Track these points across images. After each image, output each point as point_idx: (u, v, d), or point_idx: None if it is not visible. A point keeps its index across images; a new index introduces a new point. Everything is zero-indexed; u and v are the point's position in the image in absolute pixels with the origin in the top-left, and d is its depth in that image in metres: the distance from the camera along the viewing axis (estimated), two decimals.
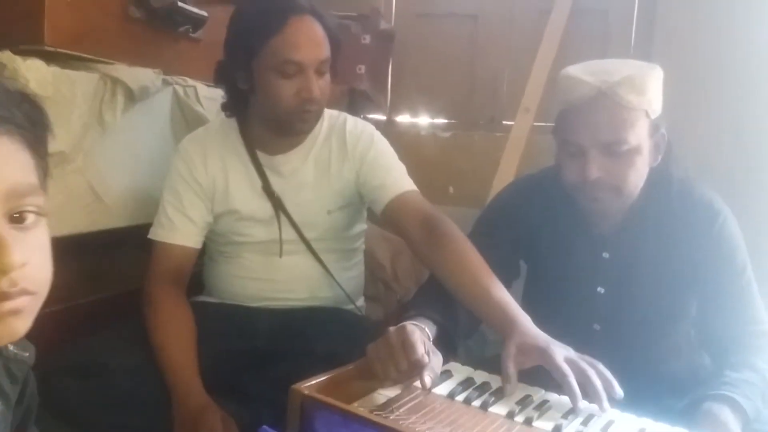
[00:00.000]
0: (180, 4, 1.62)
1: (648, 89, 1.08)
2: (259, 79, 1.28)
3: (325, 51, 1.28)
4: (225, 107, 1.40)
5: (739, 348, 1.09)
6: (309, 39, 1.26)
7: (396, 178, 1.36)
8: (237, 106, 1.38)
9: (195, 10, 1.68)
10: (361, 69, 2.32)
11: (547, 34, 2.10)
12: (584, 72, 1.10)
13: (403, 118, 2.65)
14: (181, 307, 1.31)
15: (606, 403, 0.93)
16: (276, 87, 1.26)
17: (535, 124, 2.02)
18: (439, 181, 2.41)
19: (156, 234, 1.35)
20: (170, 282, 1.32)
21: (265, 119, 1.35)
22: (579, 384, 0.94)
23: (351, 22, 2.35)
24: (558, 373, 0.95)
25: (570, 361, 0.97)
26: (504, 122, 2.41)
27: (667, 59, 1.94)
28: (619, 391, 0.94)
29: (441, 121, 2.59)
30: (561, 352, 0.98)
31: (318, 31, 1.27)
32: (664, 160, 1.16)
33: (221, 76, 1.37)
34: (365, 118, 2.48)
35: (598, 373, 0.96)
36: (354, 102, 2.36)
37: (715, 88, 1.90)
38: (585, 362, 0.97)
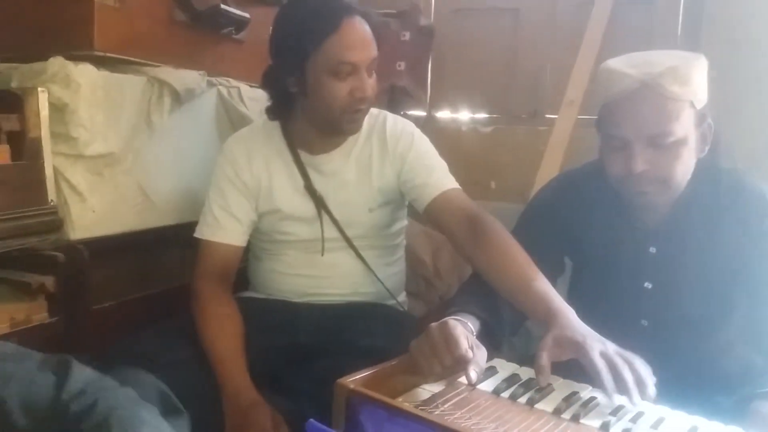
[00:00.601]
0: (223, 6, 1.65)
1: (692, 79, 1.05)
2: (311, 81, 1.28)
3: (374, 50, 1.29)
4: (269, 111, 1.41)
5: None
6: (361, 39, 1.26)
7: (438, 177, 1.36)
8: (283, 108, 1.39)
9: (238, 11, 1.71)
10: (401, 66, 2.32)
11: (591, 26, 2.06)
12: (626, 65, 1.08)
13: (444, 114, 2.63)
14: (229, 303, 1.33)
15: (637, 397, 0.91)
16: (330, 88, 1.27)
17: (579, 117, 1.98)
18: (481, 176, 2.40)
19: (202, 233, 1.38)
20: (217, 279, 1.34)
21: (315, 120, 1.35)
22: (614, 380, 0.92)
23: (390, 19, 2.35)
24: (592, 368, 0.94)
25: (605, 356, 0.95)
26: (547, 116, 2.37)
27: (715, 50, 1.90)
28: (652, 391, 0.92)
29: (482, 116, 2.57)
30: (597, 347, 0.96)
31: (368, 30, 1.28)
32: (711, 151, 1.13)
33: (270, 81, 1.37)
34: (405, 115, 2.50)
35: (633, 369, 0.94)
36: (394, 99, 2.37)
37: (764, 81, 1.83)
38: (621, 357, 0.95)
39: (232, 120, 1.72)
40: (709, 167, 1.15)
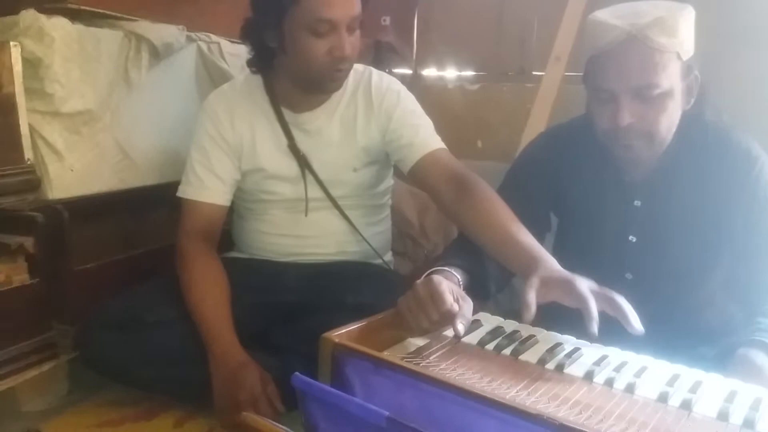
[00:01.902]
0: None
1: (679, 30, 1.04)
2: (289, 37, 1.25)
3: (357, 7, 1.25)
4: (251, 63, 1.38)
5: None
6: None
7: (424, 137, 1.34)
8: (263, 62, 1.36)
9: None
10: (386, 20, 2.27)
11: None
12: (613, 16, 1.07)
13: (430, 72, 2.60)
14: (214, 263, 1.32)
15: (634, 322, 0.92)
16: (308, 45, 1.23)
17: (566, 73, 1.96)
18: (468, 134, 2.38)
19: (185, 192, 1.36)
20: (201, 239, 1.33)
21: (294, 77, 1.33)
22: (600, 312, 0.93)
23: None
24: (580, 299, 0.94)
25: (593, 291, 0.96)
26: (534, 73, 2.34)
27: (708, 3, 1.87)
28: (638, 326, 0.93)
29: (469, 73, 2.54)
30: (585, 282, 0.97)
31: None
32: (697, 103, 1.12)
33: (249, 34, 1.34)
34: (391, 72, 2.47)
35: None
36: (379, 55, 2.32)
37: (757, 31, 1.81)
38: (608, 292, 0.97)
39: (212, 76, 1.69)
40: (695, 121, 1.14)
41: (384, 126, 1.36)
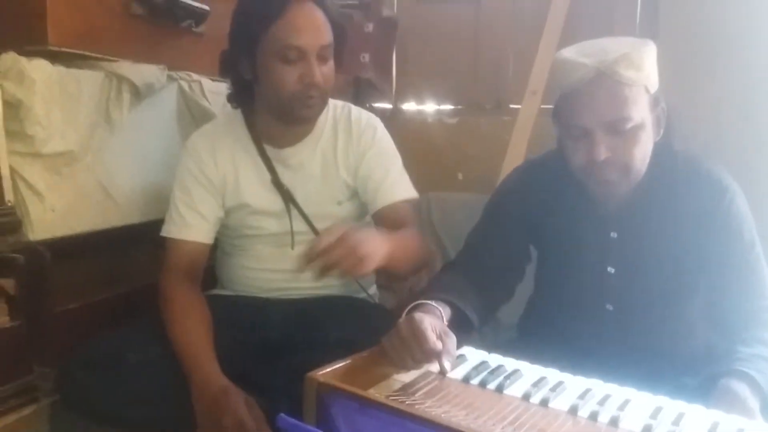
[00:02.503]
0: None
1: (644, 64, 1.07)
2: (261, 66, 1.28)
3: (326, 36, 1.27)
4: (230, 98, 1.41)
5: (750, 323, 1.08)
6: (310, 24, 1.25)
7: (391, 184, 1.38)
8: (242, 96, 1.39)
9: (196, 4, 1.69)
10: (365, 57, 2.31)
11: (551, 15, 2.08)
12: (580, 54, 1.09)
13: (410, 106, 2.64)
14: (197, 300, 1.32)
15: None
16: (278, 73, 1.26)
17: (542, 106, 2.00)
18: (448, 167, 2.41)
19: (168, 231, 1.36)
20: (184, 277, 1.33)
21: (270, 108, 1.35)
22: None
23: (353, 10, 2.34)
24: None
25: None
26: (511, 106, 2.39)
27: (674, 36, 1.93)
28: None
29: (447, 107, 2.58)
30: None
31: (319, 16, 1.27)
32: (665, 134, 1.15)
33: (225, 67, 1.37)
34: (371, 107, 2.50)
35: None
36: (359, 91, 2.36)
37: (723, 65, 1.87)
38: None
39: (194, 115, 1.70)
40: (665, 151, 1.17)
41: (358, 161, 1.39)
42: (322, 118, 1.39)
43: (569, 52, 1.11)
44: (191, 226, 1.35)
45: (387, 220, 1.36)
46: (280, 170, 1.38)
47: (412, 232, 1.31)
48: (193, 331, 1.25)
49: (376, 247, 1.09)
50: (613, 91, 1.06)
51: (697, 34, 1.90)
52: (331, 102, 1.42)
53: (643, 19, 2.17)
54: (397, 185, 1.39)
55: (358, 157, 1.39)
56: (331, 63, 1.31)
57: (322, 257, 1.03)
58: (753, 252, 1.14)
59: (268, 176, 1.38)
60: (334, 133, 1.40)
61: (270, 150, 1.39)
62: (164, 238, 1.36)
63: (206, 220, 1.36)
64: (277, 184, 1.38)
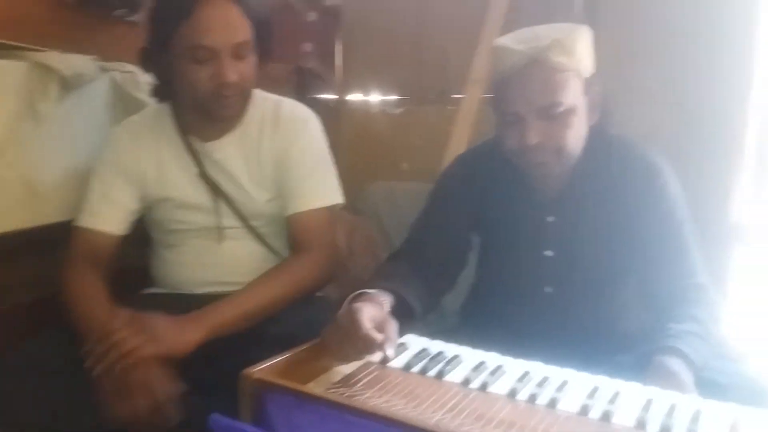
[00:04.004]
0: None
1: (577, 49, 1.09)
2: (175, 65, 1.24)
3: (240, 34, 1.22)
4: (153, 92, 1.36)
5: (680, 301, 1.11)
6: (220, 22, 1.20)
7: (308, 189, 1.33)
8: (165, 91, 1.34)
9: None
10: (308, 47, 2.28)
11: (492, 4, 2.09)
12: (514, 41, 1.11)
13: (355, 96, 2.62)
14: (99, 288, 1.25)
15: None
16: (190, 73, 1.22)
17: (484, 96, 2.01)
18: (393, 157, 2.41)
19: (78, 220, 1.32)
20: (87, 267, 1.28)
21: (186, 105, 1.31)
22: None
23: None
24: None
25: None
26: (454, 96, 2.39)
27: (614, 23, 1.96)
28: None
29: (392, 97, 2.57)
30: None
31: (232, 12, 1.21)
32: (602, 119, 1.17)
33: (144, 63, 1.33)
34: (315, 98, 2.47)
35: None
36: (302, 82, 2.32)
37: (660, 53, 1.92)
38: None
39: (127, 107, 1.63)
40: (600, 135, 1.19)
41: (281, 155, 1.34)
42: (249, 112, 1.35)
43: (505, 40, 1.13)
44: (99, 214, 1.31)
45: (293, 229, 1.33)
46: (206, 164, 1.34)
47: (277, 275, 1.28)
48: (94, 303, 1.20)
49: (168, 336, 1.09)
50: (545, 76, 1.08)
51: (637, 21, 1.94)
52: (263, 96, 1.38)
53: (586, 7, 2.20)
54: (313, 191, 1.34)
55: (282, 152, 1.34)
56: (250, 59, 1.25)
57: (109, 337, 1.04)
58: (683, 231, 1.17)
59: (194, 169, 1.34)
60: (260, 128, 1.35)
61: (196, 143, 1.35)
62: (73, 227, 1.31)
63: (117, 209, 1.32)
64: (204, 177, 1.33)
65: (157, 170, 1.34)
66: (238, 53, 1.22)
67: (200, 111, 1.29)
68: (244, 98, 1.30)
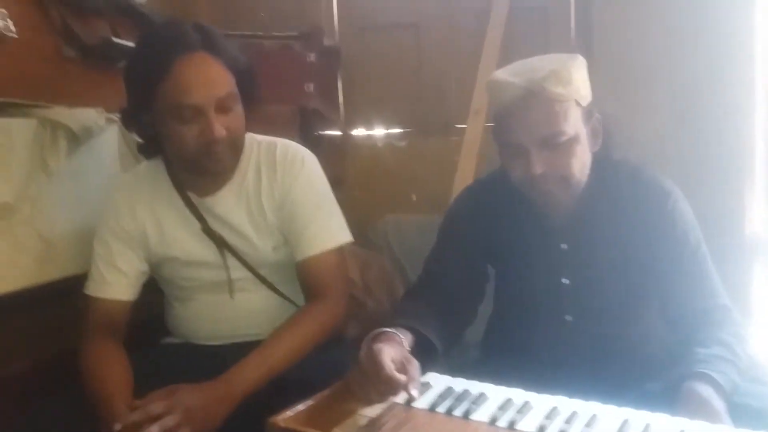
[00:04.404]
0: (114, 39, 1.58)
1: (573, 79, 1.10)
2: (159, 124, 1.20)
3: (224, 87, 1.18)
4: (140, 150, 1.33)
5: (703, 324, 1.10)
6: (201, 79, 1.16)
7: (314, 233, 1.30)
8: (153, 148, 1.31)
9: (130, 44, 1.65)
10: (310, 87, 2.30)
11: (489, 35, 2.12)
12: (510, 74, 1.12)
13: (359, 131, 2.64)
14: (116, 353, 1.24)
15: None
16: (176, 133, 1.18)
17: (488, 124, 2.03)
18: (401, 189, 2.42)
19: (88, 288, 1.30)
20: (103, 334, 1.26)
21: (178, 162, 1.28)
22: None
23: (293, 41, 2.34)
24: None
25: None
26: (457, 126, 2.41)
27: (608, 49, 1.99)
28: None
29: (396, 130, 2.59)
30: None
31: (212, 66, 1.17)
32: (604, 144, 1.18)
33: (127, 122, 1.30)
34: (320, 136, 2.49)
35: None
36: (306, 121, 2.34)
37: (655, 75, 1.93)
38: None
39: (136, 156, 1.64)
40: (605, 161, 1.19)
41: (283, 199, 1.31)
42: (244, 160, 1.31)
43: (501, 73, 1.14)
44: (110, 283, 1.29)
45: (305, 275, 1.31)
46: (208, 218, 1.31)
47: (301, 318, 1.26)
48: (108, 378, 1.17)
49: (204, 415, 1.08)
50: (544, 107, 1.08)
51: (630, 46, 1.96)
52: (256, 140, 1.35)
53: (578, 35, 2.23)
54: (320, 234, 1.30)
55: (283, 196, 1.31)
56: (237, 110, 1.21)
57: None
58: (699, 253, 1.16)
59: (197, 225, 1.31)
60: (257, 175, 1.32)
61: (194, 198, 1.31)
62: (85, 295, 1.30)
63: (126, 276, 1.30)
64: (209, 232, 1.30)
65: (159, 230, 1.31)
66: (223, 107, 1.18)
67: (192, 168, 1.26)
68: (236, 150, 1.26)
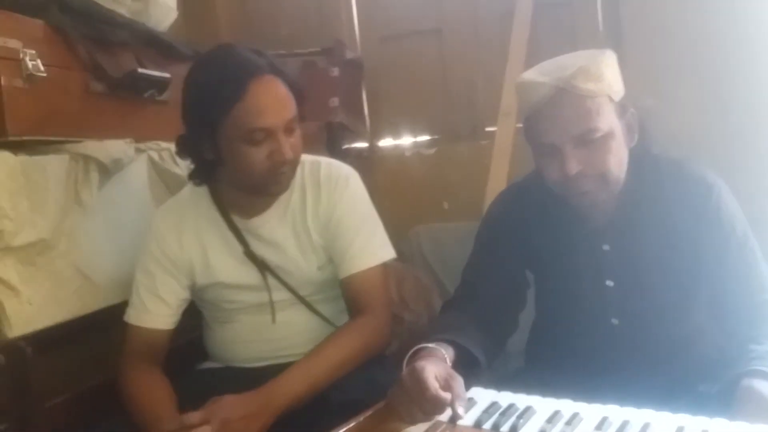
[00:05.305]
0: (140, 70, 1.60)
1: (604, 74, 1.07)
2: (226, 148, 1.21)
3: (291, 109, 1.21)
4: (192, 176, 1.33)
5: (756, 320, 1.06)
6: (273, 101, 1.18)
7: (358, 250, 1.30)
8: (205, 174, 1.32)
9: (156, 73, 1.67)
10: (335, 102, 2.30)
11: (515, 34, 2.08)
12: (538, 74, 1.09)
13: (386, 142, 2.63)
14: (158, 379, 1.25)
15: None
16: (246, 156, 1.19)
17: (518, 125, 1.99)
18: (432, 198, 2.39)
19: (129, 316, 1.31)
20: (143, 361, 1.28)
21: (238, 185, 1.29)
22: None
23: (317, 57, 2.34)
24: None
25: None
26: (487, 129, 2.38)
27: (639, 41, 1.93)
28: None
29: (424, 138, 2.57)
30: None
31: (281, 89, 1.20)
32: (641, 139, 1.14)
33: (184, 149, 1.30)
34: (348, 149, 2.48)
35: None
36: (333, 136, 2.34)
37: (692, 63, 1.86)
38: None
39: (167, 183, 1.67)
40: (644, 156, 1.16)
41: (328, 218, 1.31)
42: None
43: (529, 74, 1.12)
44: (150, 312, 1.30)
45: (350, 291, 1.31)
46: (251, 241, 1.32)
47: (346, 334, 1.26)
48: (155, 401, 1.18)
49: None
50: (576, 104, 1.05)
51: (662, 36, 1.89)
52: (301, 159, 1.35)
53: (606, 28, 2.17)
54: (365, 250, 1.31)
55: (328, 215, 1.31)
56: (298, 132, 1.24)
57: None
58: (747, 246, 1.12)
59: (239, 248, 1.32)
60: (302, 195, 1.33)
61: (238, 221, 1.32)
62: (126, 323, 1.31)
63: (167, 306, 1.31)
64: (251, 256, 1.31)
65: (203, 256, 1.32)
66: (289, 128, 1.21)
67: (252, 189, 1.27)
68: (295, 171, 1.28)
